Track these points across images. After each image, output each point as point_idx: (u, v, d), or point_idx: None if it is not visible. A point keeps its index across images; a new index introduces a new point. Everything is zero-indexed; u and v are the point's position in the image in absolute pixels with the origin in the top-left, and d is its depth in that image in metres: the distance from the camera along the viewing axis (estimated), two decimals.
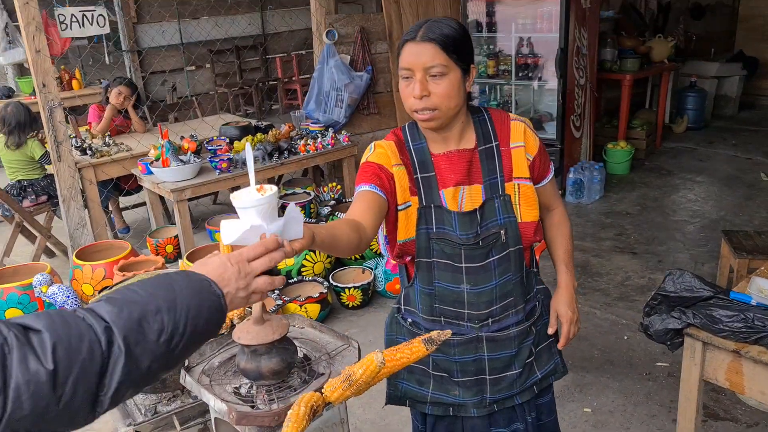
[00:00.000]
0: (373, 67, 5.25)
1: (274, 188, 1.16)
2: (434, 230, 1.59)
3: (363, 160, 1.65)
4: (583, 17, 5.15)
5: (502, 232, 1.59)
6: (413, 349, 1.30)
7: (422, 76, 1.47)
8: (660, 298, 2.10)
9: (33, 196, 4.72)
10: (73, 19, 4.14)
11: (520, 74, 5.43)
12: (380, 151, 1.62)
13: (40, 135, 4.65)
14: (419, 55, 1.46)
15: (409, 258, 1.66)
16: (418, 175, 1.61)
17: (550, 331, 1.76)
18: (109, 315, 0.87)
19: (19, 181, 4.74)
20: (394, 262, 1.74)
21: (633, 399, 2.93)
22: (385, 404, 1.82)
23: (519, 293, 1.67)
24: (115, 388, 0.86)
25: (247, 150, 1.26)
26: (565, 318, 1.73)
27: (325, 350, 1.75)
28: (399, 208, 1.60)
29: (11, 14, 6.93)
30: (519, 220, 1.61)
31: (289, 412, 1.30)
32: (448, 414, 1.74)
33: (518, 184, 1.62)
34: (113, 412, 2.08)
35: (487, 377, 1.70)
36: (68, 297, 3.34)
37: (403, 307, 1.75)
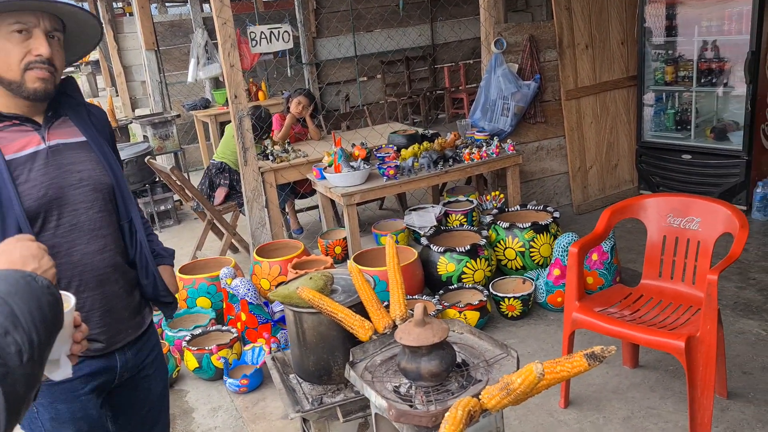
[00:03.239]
0: (542, 75, 5.16)
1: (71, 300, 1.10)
2: None
3: None
4: None
5: None
6: (574, 364, 1.28)
7: None
8: None
9: (225, 182, 5.20)
10: (263, 36, 4.54)
11: (702, 80, 5.06)
12: None
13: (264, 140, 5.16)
14: None
15: None
16: None
17: None
18: None
19: (222, 162, 5.27)
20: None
21: None
22: None
23: None
24: (5, 429, 0.77)
25: None
26: None
27: (483, 357, 1.77)
28: None
29: (211, 33, 7.72)
30: None
31: (446, 415, 1.35)
32: None
33: None
34: (284, 398, 2.25)
35: None
36: (248, 290, 3.68)
37: None
